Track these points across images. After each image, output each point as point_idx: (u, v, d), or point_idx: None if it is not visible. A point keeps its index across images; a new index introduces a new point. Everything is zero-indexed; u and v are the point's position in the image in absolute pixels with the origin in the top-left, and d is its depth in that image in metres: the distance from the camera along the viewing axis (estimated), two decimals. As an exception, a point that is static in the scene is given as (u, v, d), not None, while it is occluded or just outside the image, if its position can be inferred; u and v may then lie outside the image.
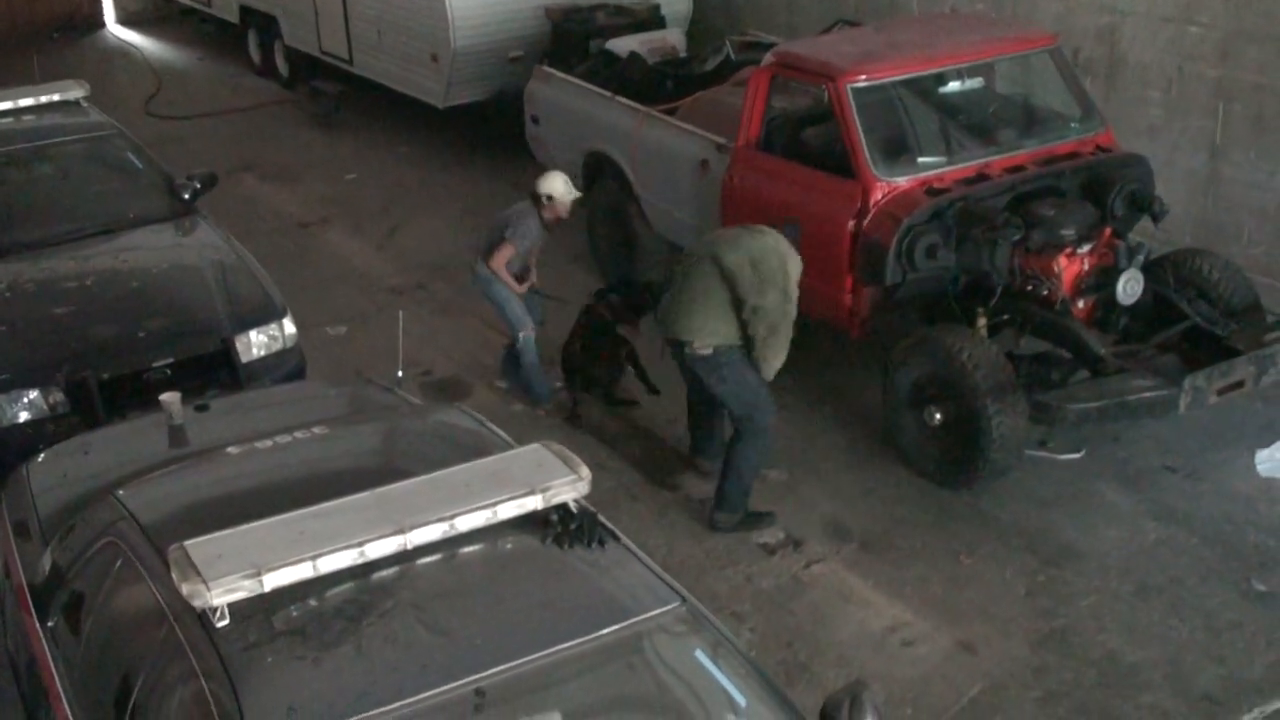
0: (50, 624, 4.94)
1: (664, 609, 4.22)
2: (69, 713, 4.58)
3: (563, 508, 4.39)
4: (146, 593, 4.34)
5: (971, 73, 8.51)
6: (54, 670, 4.77)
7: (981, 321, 7.45)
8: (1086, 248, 7.53)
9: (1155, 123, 9.68)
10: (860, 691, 4.11)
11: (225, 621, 3.95)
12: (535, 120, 10.62)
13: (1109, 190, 7.81)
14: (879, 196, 7.58)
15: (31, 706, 5.16)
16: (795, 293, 6.91)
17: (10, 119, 9.12)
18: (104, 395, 7.11)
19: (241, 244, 8.56)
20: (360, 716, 3.73)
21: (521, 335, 8.36)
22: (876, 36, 8.73)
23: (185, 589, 3.89)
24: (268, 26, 15.18)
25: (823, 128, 8.23)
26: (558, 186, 8.29)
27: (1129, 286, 7.39)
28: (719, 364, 6.96)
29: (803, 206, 7.92)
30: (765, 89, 8.34)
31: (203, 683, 3.89)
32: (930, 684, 6.12)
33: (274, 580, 3.91)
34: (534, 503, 4.28)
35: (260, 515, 4.15)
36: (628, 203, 9.59)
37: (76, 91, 9.50)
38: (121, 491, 4.94)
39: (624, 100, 9.67)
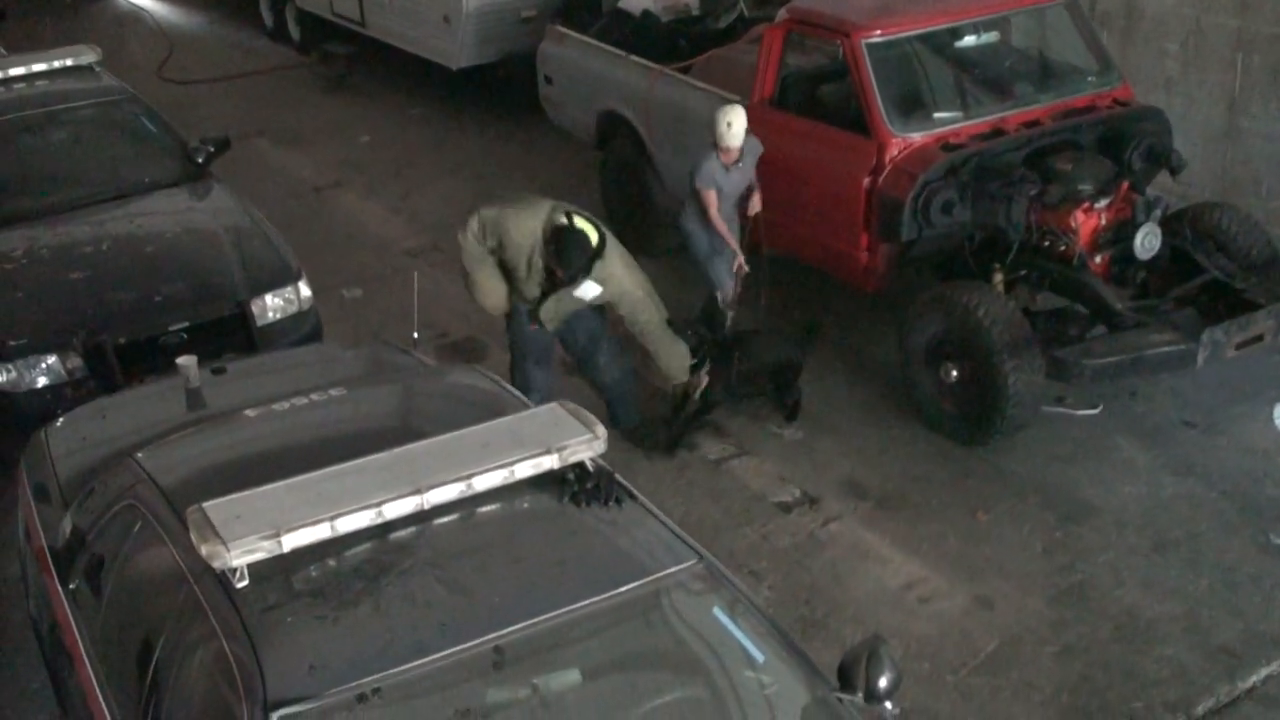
0: (72, 586, 4.98)
1: (681, 566, 4.23)
2: (92, 674, 4.62)
3: (579, 466, 4.39)
4: (166, 554, 4.36)
5: (987, 27, 8.44)
6: (76, 632, 4.82)
7: (998, 277, 7.43)
8: (1104, 202, 7.48)
9: (1172, 75, 9.60)
10: (878, 647, 4.12)
11: (245, 582, 3.97)
12: (549, 80, 10.58)
13: (1126, 144, 7.76)
14: (894, 153, 7.54)
15: (55, 668, 5.22)
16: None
17: (23, 84, 9.12)
18: (121, 360, 7.14)
19: (255, 208, 8.56)
20: (380, 674, 3.75)
21: (719, 295, 7.96)
22: (891, -9, 8.66)
23: (204, 550, 3.91)
24: (279, -11, 15.15)
25: (837, 84, 8.19)
26: (717, 124, 7.61)
27: (1147, 241, 7.35)
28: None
29: (818, 163, 7.88)
30: (779, 46, 8.29)
31: (223, 643, 3.92)
32: (947, 640, 6.13)
33: (292, 541, 3.93)
34: (550, 462, 4.28)
35: (278, 477, 4.16)
36: (642, 163, 9.54)
37: (89, 56, 9.49)
38: (140, 454, 4.96)
39: (637, 59, 9.61)
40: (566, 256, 6.82)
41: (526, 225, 6.90)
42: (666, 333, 7.34)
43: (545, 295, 7.09)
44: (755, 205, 7.83)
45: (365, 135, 12.68)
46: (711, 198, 7.74)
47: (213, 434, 5.27)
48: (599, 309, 7.35)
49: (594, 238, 6.91)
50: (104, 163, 8.73)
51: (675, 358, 7.41)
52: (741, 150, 7.67)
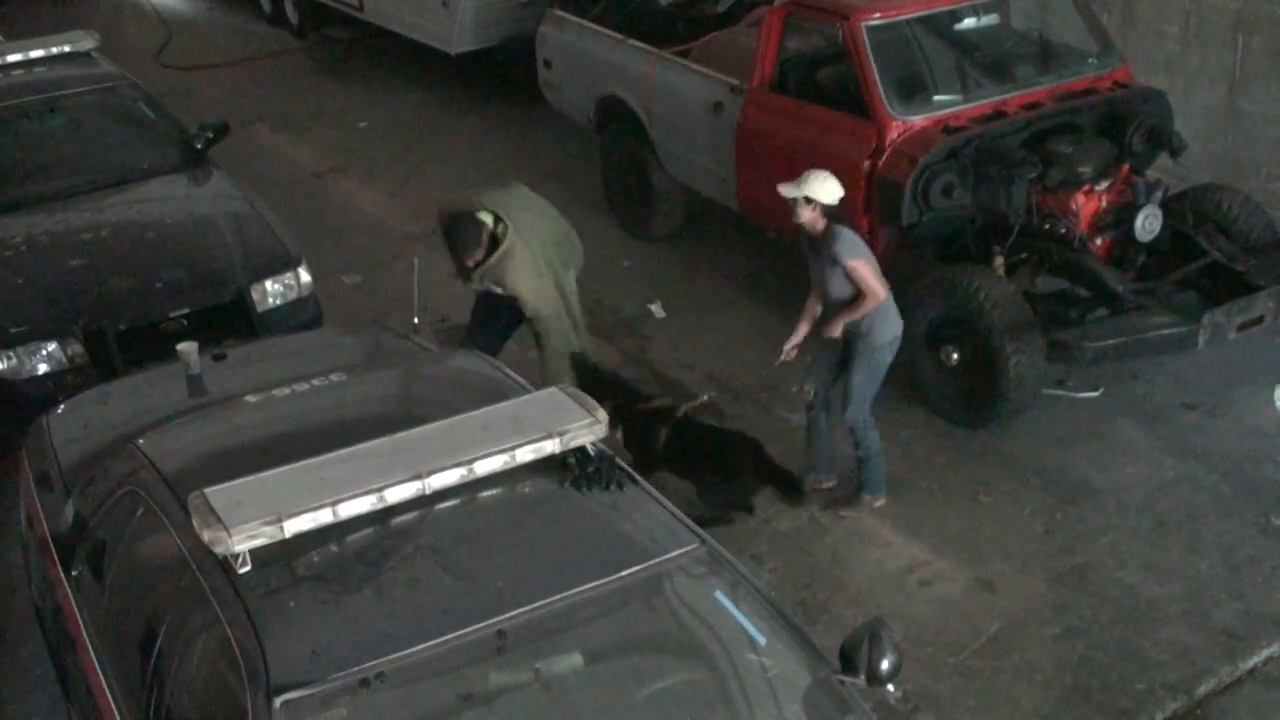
0: (74, 573, 4.98)
1: (683, 550, 4.24)
2: (94, 660, 4.63)
3: (580, 451, 4.40)
4: (168, 540, 4.36)
5: (987, 9, 8.42)
6: (79, 618, 4.82)
7: (999, 260, 7.43)
8: (1104, 185, 7.47)
9: (1173, 57, 9.57)
10: (879, 629, 4.13)
11: (247, 568, 3.97)
12: (548, 65, 10.55)
13: (1126, 126, 7.74)
14: (895, 136, 7.53)
15: (58, 654, 5.22)
16: None
17: (21, 71, 9.10)
18: (121, 346, 7.14)
19: (255, 193, 8.55)
20: (383, 659, 3.76)
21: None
22: (890, -27, 8.64)
23: (206, 536, 3.92)
24: (277, -26, 15.11)
25: (837, 67, 8.17)
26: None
27: (1147, 223, 7.34)
28: None
29: (817, 147, 7.87)
30: (779, 29, 8.27)
31: (226, 629, 3.92)
32: (949, 622, 6.14)
33: (294, 526, 3.94)
34: (551, 446, 4.29)
35: (280, 462, 4.17)
36: (642, 147, 9.53)
37: (87, 43, 9.47)
38: (141, 441, 4.97)
39: (637, 43, 9.59)
40: (450, 244, 6.93)
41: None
42: (559, 356, 7.09)
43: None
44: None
45: (364, 120, 12.66)
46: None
47: (214, 420, 5.27)
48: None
49: (487, 235, 6.81)
50: (103, 149, 8.71)
51: (553, 376, 7.00)
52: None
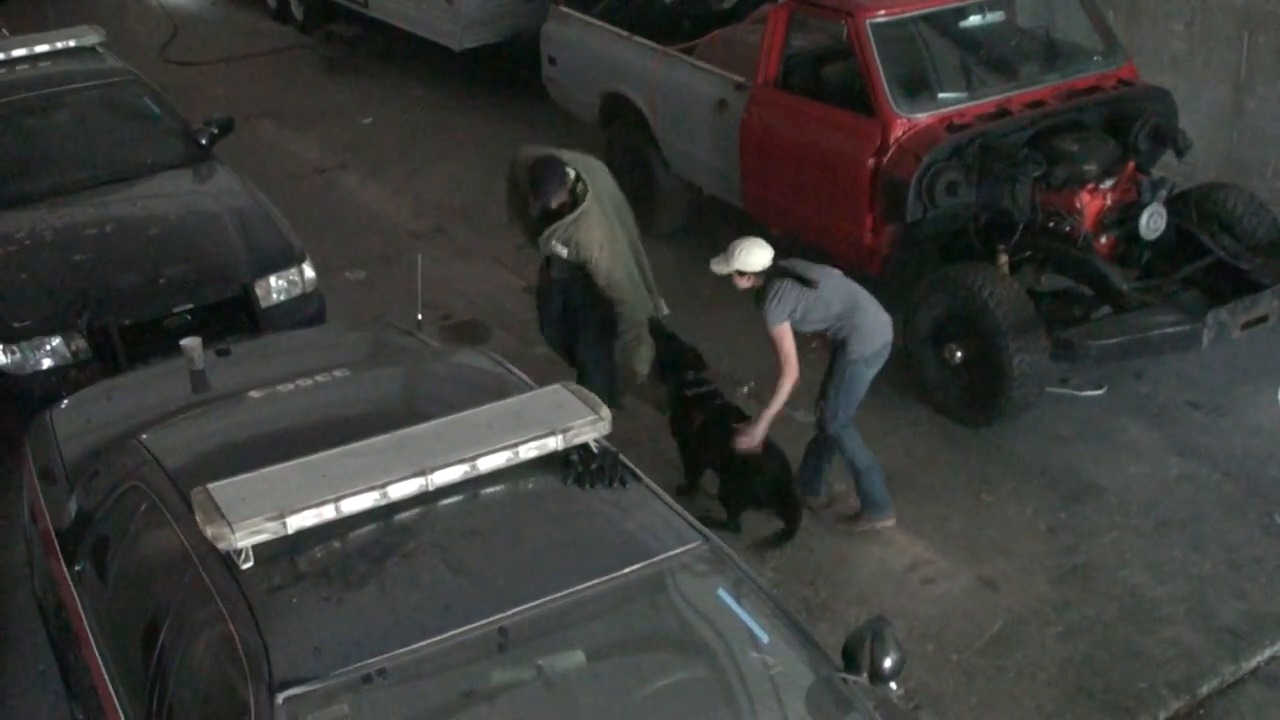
0: (77, 568, 4.99)
1: (686, 547, 4.24)
2: (97, 655, 4.63)
3: (584, 448, 4.40)
4: (171, 536, 4.37)
5: (992, 6, 8.42)
6: (82, 614, 4.83)
7: (1003, 259, 7.42)
8: (1109, 183, 7.47)
9: (1178, 55, 9.56)
10: (882, 628, 4.13)
11: (250, 564, 3.97)
12: (552, 61, 10.55)
13: (1131, 124, 7.73)
14: (899, 133, 7.52)
15: (61, 650, 5.23)
16: None
17: (26, 66, 9.09)
18: (125, 342, 7.15)
19: (259, 189, 8.54)
20: (385, 656, 3.76)
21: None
22: (895, -29, 8.63)
23: (209, 531, 3.92)
24: (282, -30, 15.11)
25: (842, 65, 8.16)
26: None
27: (1152, 221, 7.33)
28: None
29: (822, 144, 7.87)
30: (784, 26, 8.26)
31: (229, 625, 3.93)
32: (951, 620, 6.14)
33: (297, 522, 3.94)
34: (555, 443, 4.28)
35: (283, 459, 4.17)
36: (646, 144, 9.52)
37: (92, 38, 9.47)
38: (145, 436, 4.97)
39: (641, 40, 9.58)
40: (538, 185, 6.75)
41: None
42: (636, 323, 7.09)
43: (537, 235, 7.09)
44: None
45: (368, 117, 12.66)
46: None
47: (217, 416, 5.27)
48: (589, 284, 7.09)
49: (568, 188, 6.78)
50: (107, 144, 8.71)
51: (630, 345, 7.12)
52: None
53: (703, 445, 6.76)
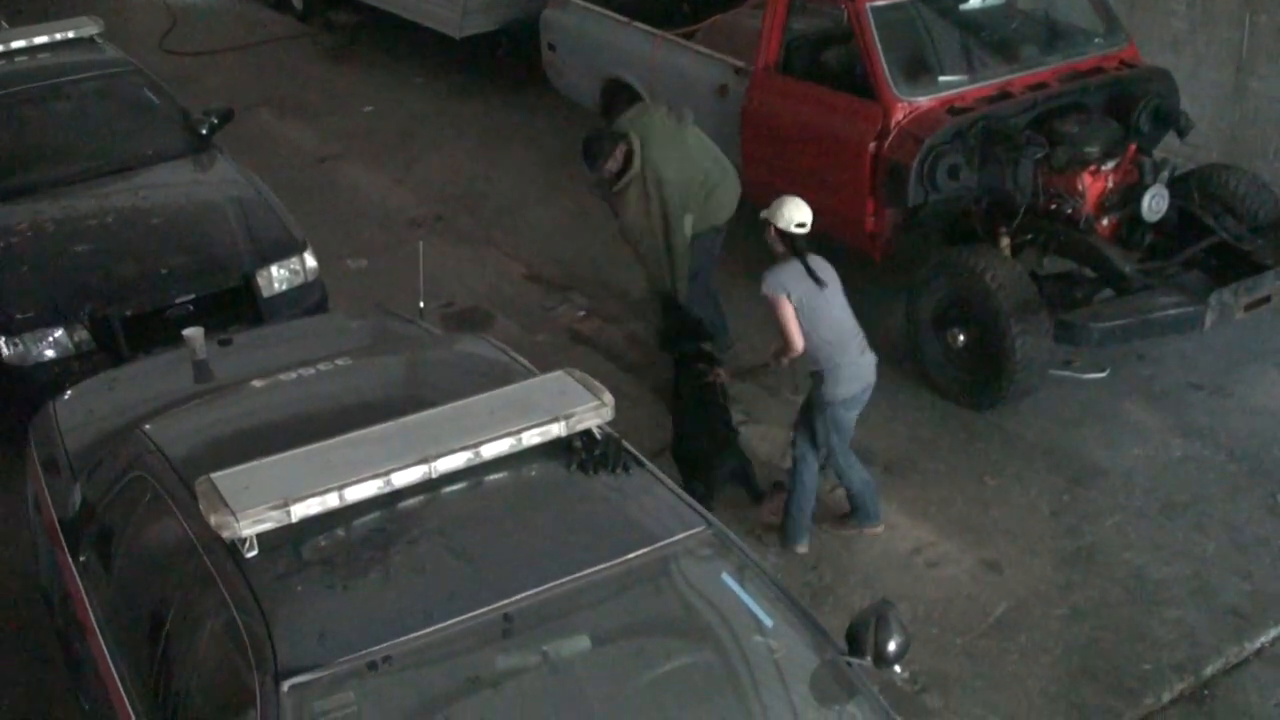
0: (82, 558, 4.99)
1: (689, 533, 4.24)
2: (103, 645, 4.64)
3: (587, 434, 4.40)
4: (175, 525, 4.37)
5: (992, -12, 8.40)
6: (87, 604, 4.84)
7: (1005, 241, 7.41)
8: (1111, 164, 7.45)
9: (1179, 35, 9.53)
10: (886, 611, 4.13)
11: (254, 552, 3.98)
12: (552, 47, 10.53)
13: (1133, 106, 7.72)
14: (900, 117, 7.51)
15: (66, 639, 5.24)
16: None
17: (25, 57, 9.08)
18: (127, 332, 7.15)
19: (260, 179, 8.54)
20: (390, 643, 3.77)
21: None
22: (895, -47, 8.60)
23: (214, 520, 3.92)
24: (281, -42, 15.07)
25: (842, 48, 8.15)
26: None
27: (1154, 203, 7.32)
28: None
29: (823, 128, 7.85)
30: (784, 10, 8.24)
31: (234, 613, 3.93)
32: (955, 603, 6.15)
33: (301, 510, 3.94)
34: (558, 430, 4.29)
35: (286, 447, 4.17)
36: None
37: (91, 28, 9.45)
38: (148, 426, 4.97)
39: (641, 25, 9.57)
40: (585, 158, 7.49)
41: None
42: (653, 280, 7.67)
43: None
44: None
45: (368, 105, 12.63)
46: None
47: (220, 405, 5.28)
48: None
49: (623, 153, 7.31)
50: (107, 135, 8.69)
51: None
52: None
53: (680, 411, 7.06)
